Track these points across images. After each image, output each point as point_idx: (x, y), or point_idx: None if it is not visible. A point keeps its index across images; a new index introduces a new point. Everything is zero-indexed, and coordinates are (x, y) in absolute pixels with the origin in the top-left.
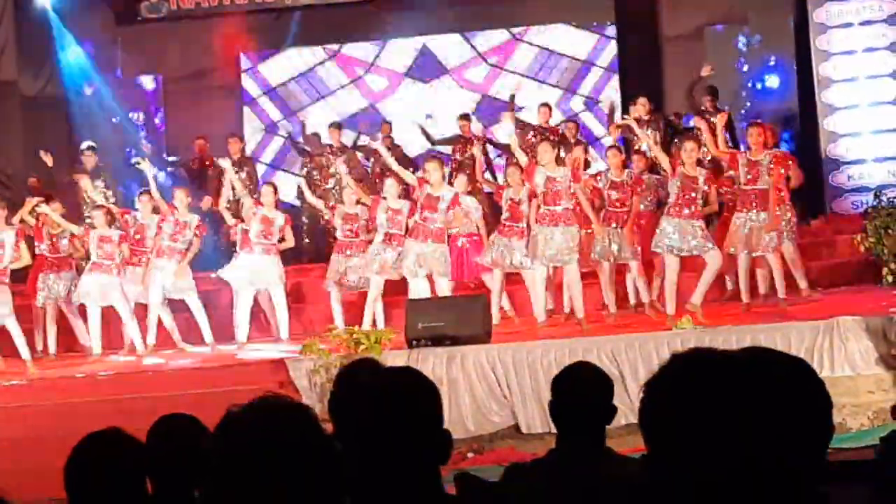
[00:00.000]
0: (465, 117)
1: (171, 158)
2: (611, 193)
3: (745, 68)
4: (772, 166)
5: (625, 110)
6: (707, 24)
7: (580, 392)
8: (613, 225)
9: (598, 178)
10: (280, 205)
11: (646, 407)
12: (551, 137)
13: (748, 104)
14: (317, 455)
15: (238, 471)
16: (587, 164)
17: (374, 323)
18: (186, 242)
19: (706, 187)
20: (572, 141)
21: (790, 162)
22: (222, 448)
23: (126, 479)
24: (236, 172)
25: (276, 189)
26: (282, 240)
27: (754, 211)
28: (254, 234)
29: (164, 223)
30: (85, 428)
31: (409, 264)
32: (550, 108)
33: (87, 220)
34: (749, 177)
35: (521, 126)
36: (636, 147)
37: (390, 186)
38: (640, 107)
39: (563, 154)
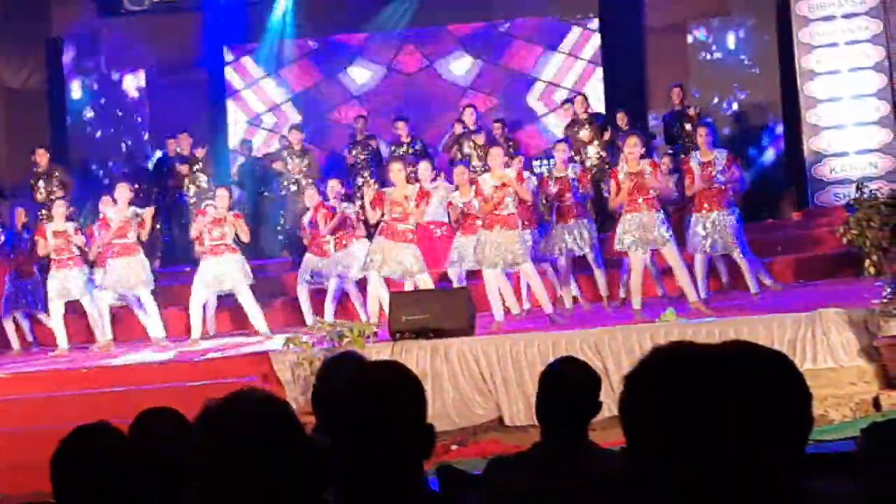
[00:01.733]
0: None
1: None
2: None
3: (728, 61)
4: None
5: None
6: (690, 16)
7: (567, 389)
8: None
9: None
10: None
11: (625, 400)
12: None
13: (730, 98)
14: (293, 448)
15: (216, 464)
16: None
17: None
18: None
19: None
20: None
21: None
22: (200, 442)
23: (113, 473)
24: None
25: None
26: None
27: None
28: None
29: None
30: (68, 421)
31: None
32: (586, 98)
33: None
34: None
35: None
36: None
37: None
38: (619, 120)
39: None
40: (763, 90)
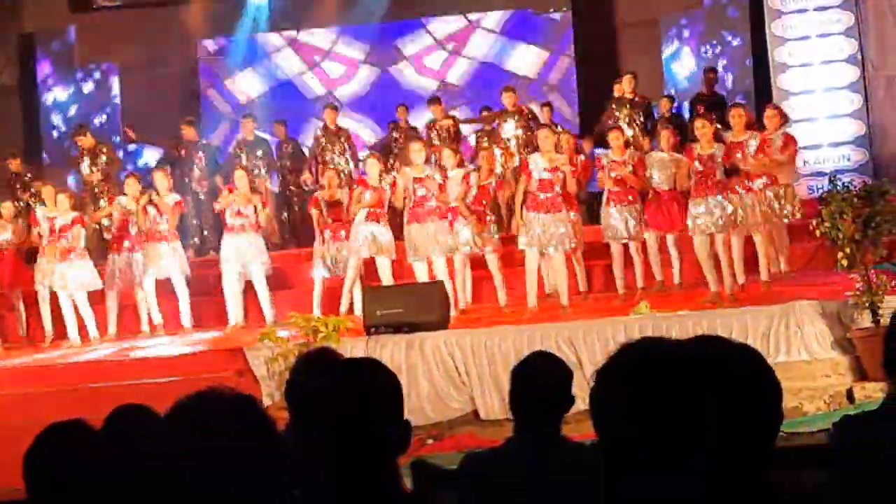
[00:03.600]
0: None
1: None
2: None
3: (701, 53)
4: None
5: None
6: (663, 10)
7: (539, 383)
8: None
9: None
10: None
11: (595, 396)
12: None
13: (703, 90)
14: (260, 447)
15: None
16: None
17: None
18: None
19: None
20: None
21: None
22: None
23: (86, 471)
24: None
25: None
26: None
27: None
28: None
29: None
30: (40, 418)
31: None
32: (515, 91)
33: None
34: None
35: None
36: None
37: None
38: (626, 84)
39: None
40: (736, 83)
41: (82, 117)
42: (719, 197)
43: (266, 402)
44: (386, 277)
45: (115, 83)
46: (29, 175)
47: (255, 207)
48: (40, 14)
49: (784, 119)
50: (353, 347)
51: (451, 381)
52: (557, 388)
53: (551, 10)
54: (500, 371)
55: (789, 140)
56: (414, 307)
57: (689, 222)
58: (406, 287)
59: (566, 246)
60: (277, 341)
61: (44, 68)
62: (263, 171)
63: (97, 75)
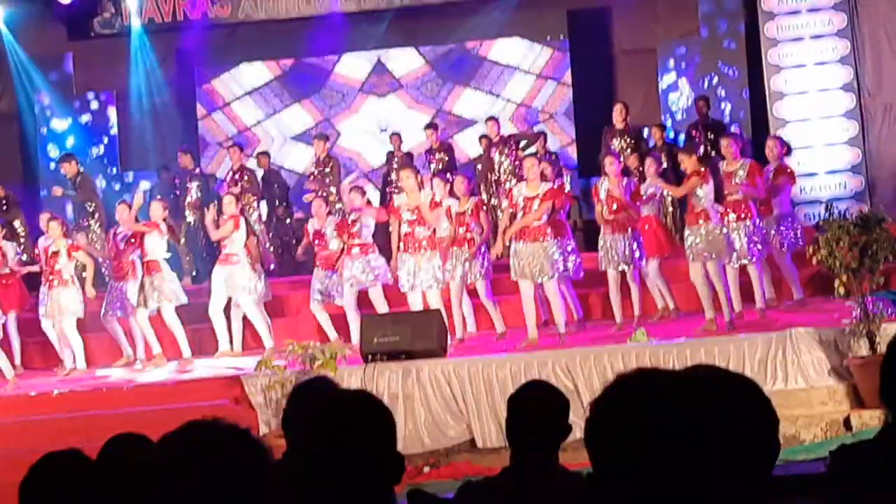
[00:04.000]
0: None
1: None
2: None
3: (697, 82)
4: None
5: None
6: (659, 38)
7: (535, 413)
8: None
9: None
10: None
11: (591, 426)
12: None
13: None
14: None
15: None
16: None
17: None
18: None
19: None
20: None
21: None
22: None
23: (82, 500)
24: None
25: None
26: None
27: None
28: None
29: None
30: (37, 445)
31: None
32: (498, 122)
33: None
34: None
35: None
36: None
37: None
38: (617, 113)
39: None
40: (733, 112)
41: (80, 147)
42: (712, 224)
43: (263, 429)
44: (380, 306)
45: (112, 111)
46: (5, 204)
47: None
48: (39, 41)
49: (784, 149)
50: (351, 375)
51: (449, 409)
52: (554, 418)
53: (548, 37)
54: (497, 399)
55: (753, 169)
56: (411, 335)
57: (686, 249)
58: (403, 315)
59: (550, 273)
60: (274, 369)
61: (42, 97)
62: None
63: (94, 104)
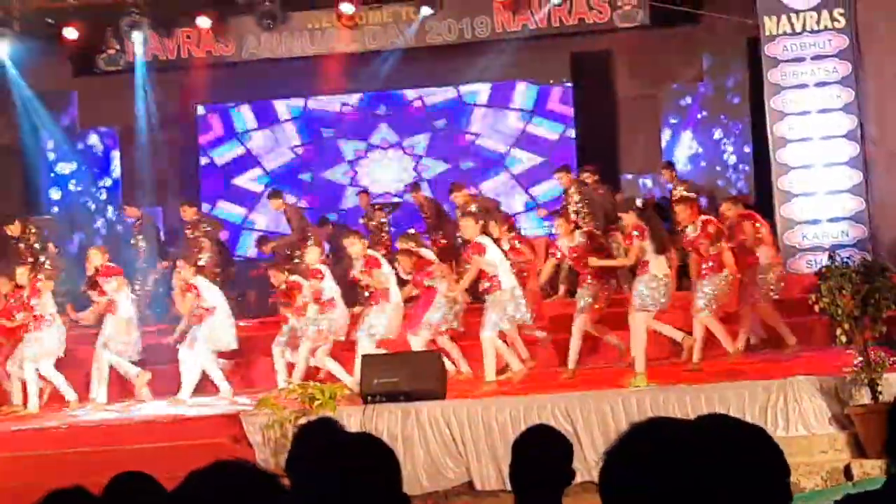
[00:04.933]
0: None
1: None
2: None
3: (700, 127)
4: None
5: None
6: (662, 83)
7: (540, 458)
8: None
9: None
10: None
11: (605, 476)
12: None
13: (703, 163)
14: None
15: None
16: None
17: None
18: None
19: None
20: None
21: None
22: None
23: None
24: None
25: None
26: None
27: None
28: None
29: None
30: (35, 481)
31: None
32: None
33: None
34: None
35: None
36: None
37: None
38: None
39: None
40: (735, 156)
41: (80, 177)
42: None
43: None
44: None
45: (114, 150)
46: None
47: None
48: (44, 76)
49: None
50: (350, 416)
51: (448, 451)
52: (558, 463)
53: (551, 81)
54: (496, 442)
55: (705, 224)
56: (411, 376)
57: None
58: (403, 356)
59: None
60: (273, 408)
61: (46, 135)
62: None
63: (98, 141)
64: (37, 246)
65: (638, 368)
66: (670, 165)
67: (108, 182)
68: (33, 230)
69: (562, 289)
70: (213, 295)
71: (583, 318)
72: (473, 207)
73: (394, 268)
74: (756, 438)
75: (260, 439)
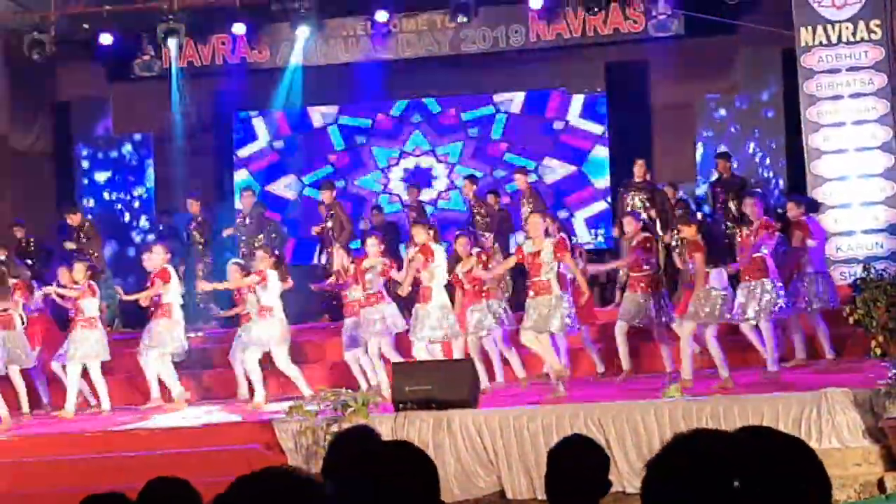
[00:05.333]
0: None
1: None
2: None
3: (736, 138)
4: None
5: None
6: (697, 93)
7: (577, 468)
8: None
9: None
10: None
11: (647, 487)
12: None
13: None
14: None
15: None
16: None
17: None
18: None
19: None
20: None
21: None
22: None
23: None
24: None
25: None
26: None
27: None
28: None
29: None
30: (70, 486)
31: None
32: (474, 181)
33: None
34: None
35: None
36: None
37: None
38: (638, 168)
39: None
40: (771, 168)
41: (114, 184)
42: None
43: None
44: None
45: (148, 158)
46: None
47: None
48: (79, 82)
49: (762, 207)
50: (382, 423)
51: (479, 460)
52: (596, 474)
53: (586, 90)
54: (528, 451)
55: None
56: (443, 384)
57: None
58: (435, 363)
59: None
60: (306, 414)
61: (80, 139)
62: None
63: (132, 147)
64: (86, 241)
65: (684, 375)
66: (726, 156)
67: (141, 191)
68: (88, 223)
69: (618, 295)
70: (274, 295)
71: (621, 325)
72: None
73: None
74: (797, 452)
75: (292, 446)
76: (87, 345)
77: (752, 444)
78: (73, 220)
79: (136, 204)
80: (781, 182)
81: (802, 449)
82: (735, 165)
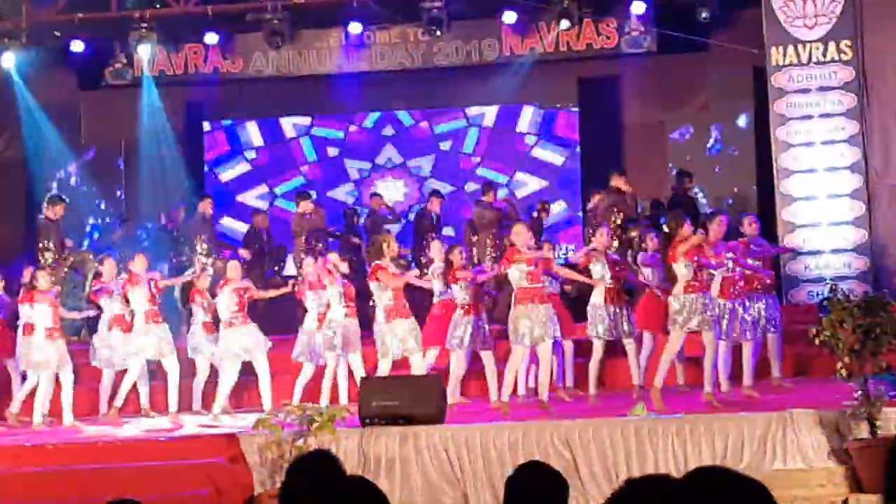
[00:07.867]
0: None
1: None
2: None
3: (705, 156)
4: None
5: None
6: (669, 110)
7: (534, 496)
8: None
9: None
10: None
11: None
12: None
13: (707, 191)
14: None
15: None
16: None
17: None
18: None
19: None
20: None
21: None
22: None
23: None
24: None
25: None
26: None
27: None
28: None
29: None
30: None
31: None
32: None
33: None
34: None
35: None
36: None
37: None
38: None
39: None
40: (740, 187)
41: (85, 192)
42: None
43: (258, 489)
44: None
45: (119, 165)
46: None
47: None
48: (49, 88)
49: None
50: (348, 438)
51: (445, 476)
52: (554, 500)
53: (558, 105)
54: (494, 467)
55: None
56: (410, 400)
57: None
58: (403, 379)
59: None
60: (272, 428)
61: (51, 146)
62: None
63: (102, 155)
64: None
65: (656, 383)
66: (687, 175)
67: (112, 197)
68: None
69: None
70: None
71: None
72: None
73: None
74: (751, 493)
75: (257, 460)
76: (61, 353)
77: (707, 488)
78: (57, 212)
79: (107, 211)
80: (752, 199)
81: (759, 490)
82: (694, 187)
